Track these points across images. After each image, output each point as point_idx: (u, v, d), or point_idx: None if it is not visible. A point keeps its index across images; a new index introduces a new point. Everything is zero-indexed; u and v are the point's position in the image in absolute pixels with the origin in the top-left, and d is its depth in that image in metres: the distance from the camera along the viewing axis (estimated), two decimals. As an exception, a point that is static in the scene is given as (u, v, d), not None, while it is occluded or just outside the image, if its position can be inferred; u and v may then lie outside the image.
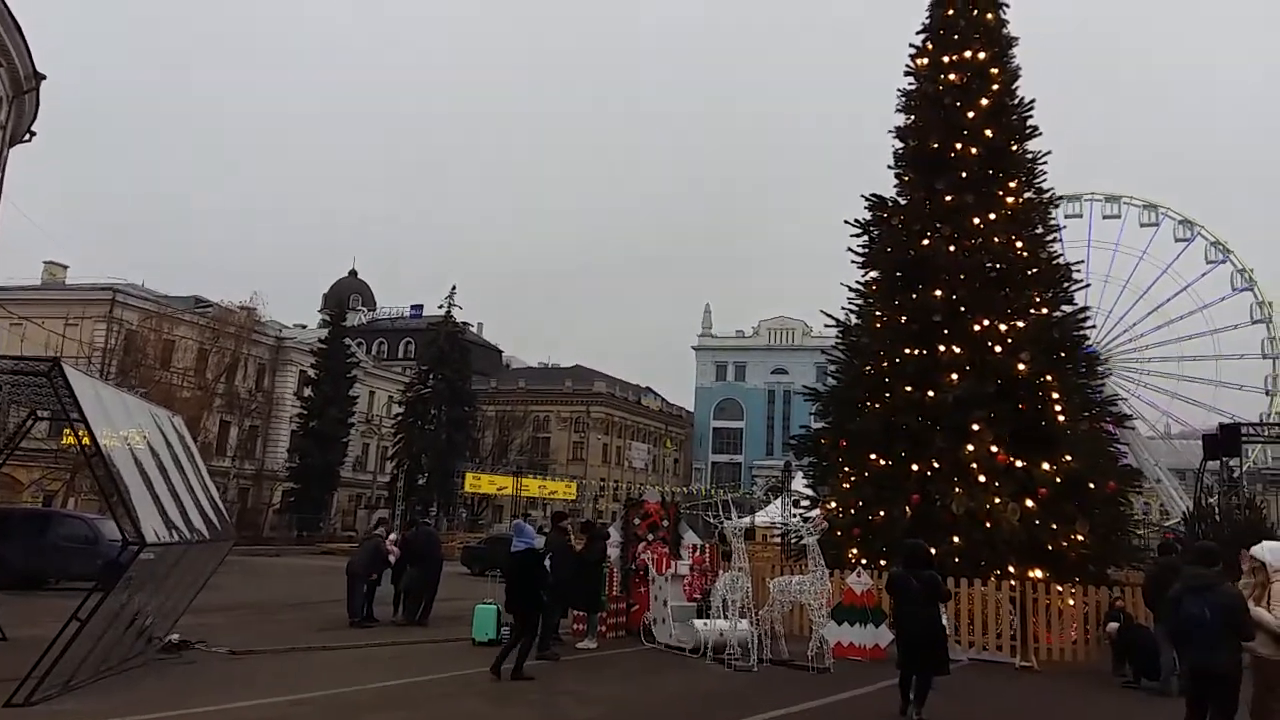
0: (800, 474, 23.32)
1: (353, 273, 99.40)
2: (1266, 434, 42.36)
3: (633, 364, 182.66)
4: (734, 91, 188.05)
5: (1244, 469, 40.82)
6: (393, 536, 16.99)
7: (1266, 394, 54.91)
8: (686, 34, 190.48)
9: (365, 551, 16.02)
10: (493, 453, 67.44)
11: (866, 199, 18.02)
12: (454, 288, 61.41)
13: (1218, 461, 33.51)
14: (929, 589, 9.31)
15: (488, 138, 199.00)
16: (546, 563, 11.87)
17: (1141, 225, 59.35)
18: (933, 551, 14.58)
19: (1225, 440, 37.01)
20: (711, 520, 13.92)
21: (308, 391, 55.54)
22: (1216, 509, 22.05)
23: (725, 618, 12.31)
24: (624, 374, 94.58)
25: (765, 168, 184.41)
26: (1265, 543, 7.33)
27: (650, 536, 14.96)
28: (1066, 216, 52.59)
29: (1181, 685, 11.30)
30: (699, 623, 13.02)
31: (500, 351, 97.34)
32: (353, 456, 59.93)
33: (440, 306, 62.51)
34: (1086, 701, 11.17)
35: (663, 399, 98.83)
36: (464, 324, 69.52)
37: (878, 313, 17.34)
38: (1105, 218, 59.14)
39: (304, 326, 68.10)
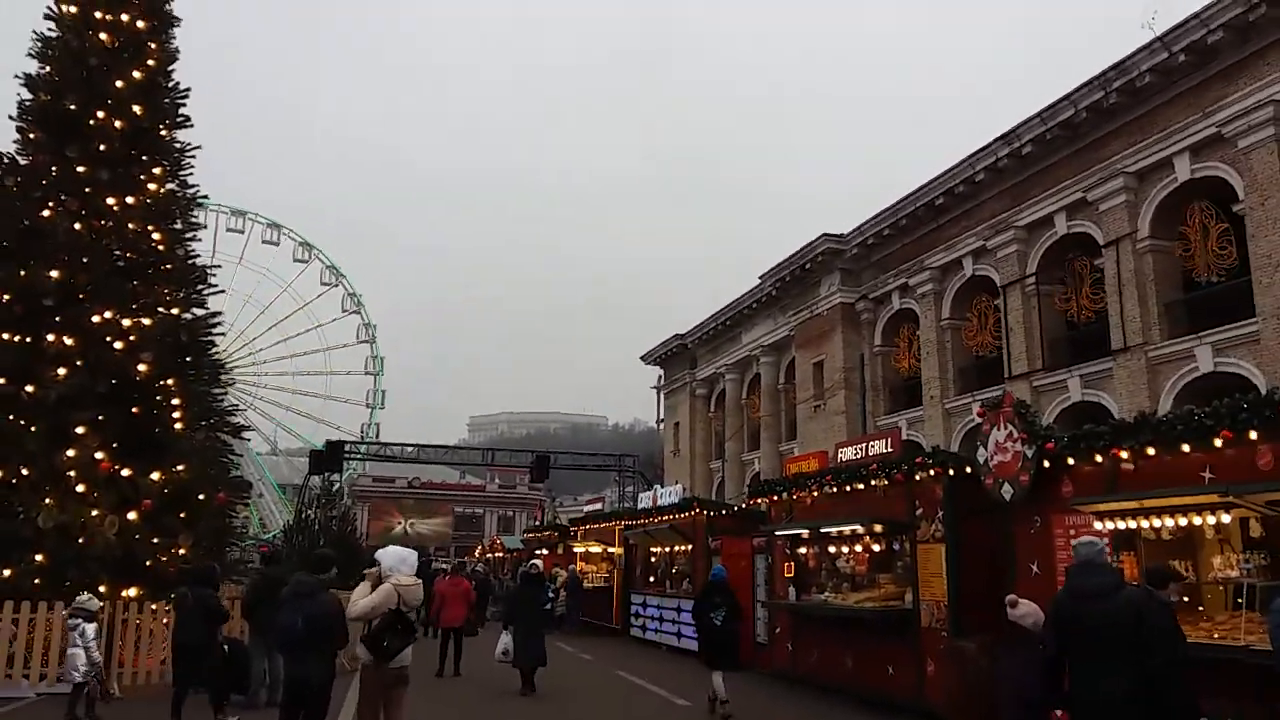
0: None
1: None
2: (365, 450, 47.97)
3: None
4: None
5: (343, 482, 45.50)
6: None
7: (366, 406, 62.03)
8: None
9: None
10: None
11: (-25, 148, 14.95)
12: None
13: (321, 476, 36.48)
14: (204, 607, 10.52)
15: None
16: None
17: (264, 242, 61.91)
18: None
19: (330, 456, 40.61)
20: None
21: None
22: (316, 520, 23.66)
23: None
24: None
25: None
26: (387, 549, 7.70)
27: None
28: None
29: (270, 695, 11.54)
30: None
31: None
32: None
33: None
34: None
35: None
36: None
37: (-28, 287, 14.36)
38: (229, 230, 60.07)
39: None
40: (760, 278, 35.15)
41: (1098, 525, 8.96)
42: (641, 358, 48.65)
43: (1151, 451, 8.69)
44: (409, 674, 7.51)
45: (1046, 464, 9.94)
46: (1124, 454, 8.97)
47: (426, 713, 11.51)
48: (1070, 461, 9.70)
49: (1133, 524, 8.68)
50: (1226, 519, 8.08)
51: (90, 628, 10.78)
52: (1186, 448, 8.33)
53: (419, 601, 7.47)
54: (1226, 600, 8.42)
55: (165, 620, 13.20)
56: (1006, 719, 6.21)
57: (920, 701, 11.31)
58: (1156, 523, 8.48)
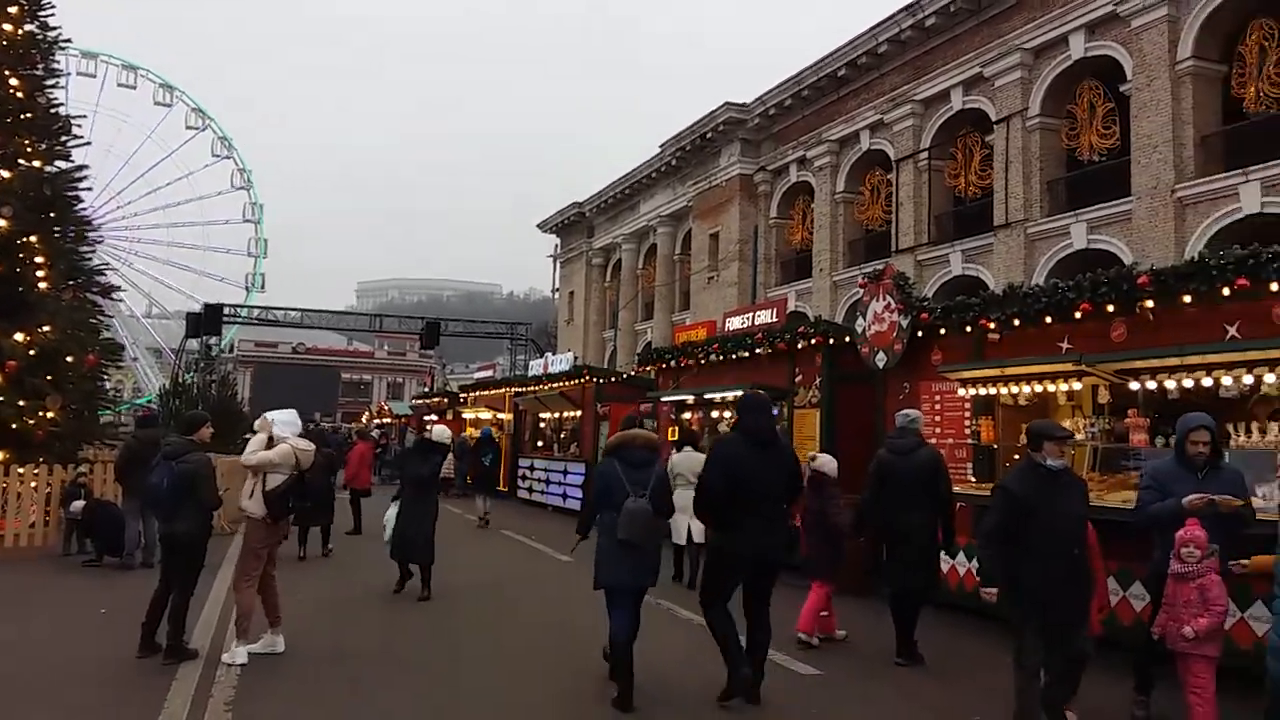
0: None
1: None
2: (247, 314, 46.38)
3: None
4: None
5: (223, 346, 44.04)
6: None
7: (250, 255, 58.41)
8: None
9: None
10: None
11: None
12: None
13: (199, 339, 35.28)
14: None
15: None
16: None
17: (119, 85, 56.38)
18: None
19: (209, 319, 39.14)
20: None
21: None
22: (195, 385, 22.98)
23: None
24: None
25: None
26: (279, 411, 7.65)
27: None
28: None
29: (146, 557, 11.43)
30: None
31: None
32: None
33: None
34: (47, 585, 10.31)
35: None
36: None
37: None
38: (80, 74, 53.64)
39: None
40: (661, 146, 34.74)
41: (960, 392, 9.44)
42: (538, 225, 47.99)
43: (1017, 323, 9.10)
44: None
45: (920, 334, 10.33)
46: (990, 325, 9.38)
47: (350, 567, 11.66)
48: (942, 331, 10.10)
49: (993, 390, 9.18)
50: (1078, 386, 8.60)
51: None
52: (1049, 320, 8.75)
53: (309, 466, 7.54)
54: (1075, 462, 9.03)
55: (33, 484, 12.83)
56: (813, 551, 8.03)
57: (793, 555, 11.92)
58: (1015, 389, 8.98)
